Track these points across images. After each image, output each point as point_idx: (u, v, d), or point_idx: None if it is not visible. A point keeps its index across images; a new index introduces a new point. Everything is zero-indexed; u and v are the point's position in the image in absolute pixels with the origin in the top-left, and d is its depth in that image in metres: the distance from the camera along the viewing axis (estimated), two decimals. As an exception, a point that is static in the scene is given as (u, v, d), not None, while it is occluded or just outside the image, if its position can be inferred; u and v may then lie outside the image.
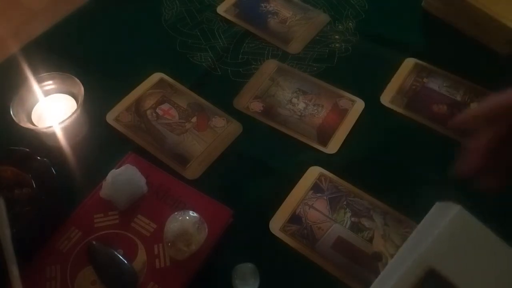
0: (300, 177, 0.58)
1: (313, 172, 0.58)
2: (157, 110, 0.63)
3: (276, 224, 0.54)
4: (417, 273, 0.27)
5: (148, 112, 0.63)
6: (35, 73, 0.60)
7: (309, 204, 0.56)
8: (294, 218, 0.54)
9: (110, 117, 0.63)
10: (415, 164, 0.60)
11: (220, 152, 0.60)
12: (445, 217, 0.26)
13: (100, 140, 0.61)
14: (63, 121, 0.56)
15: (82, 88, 0.58)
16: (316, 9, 0.77)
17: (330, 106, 0.65)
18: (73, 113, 0.57)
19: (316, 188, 0.57)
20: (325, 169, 0.59)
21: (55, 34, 0.72)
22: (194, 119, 0.63)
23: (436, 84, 0.67)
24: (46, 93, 0.59)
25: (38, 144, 0.58)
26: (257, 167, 0.59)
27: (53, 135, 0.58)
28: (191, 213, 0.50)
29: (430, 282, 0.26)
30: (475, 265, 0.26)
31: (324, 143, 0.61)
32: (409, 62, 0.70)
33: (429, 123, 0.63)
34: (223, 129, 0.62)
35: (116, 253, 0.50)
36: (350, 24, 0.75)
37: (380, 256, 0.51)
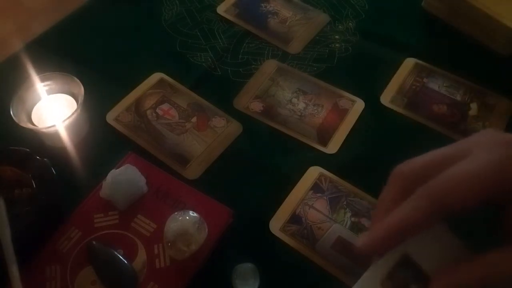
0: (300, 177, 0.58)
1: (313, 172, 0.58)
2: (157, 110, 0.63)
3: (276, 224, 0.54)
4: (395, 256, 0.32)
5: (148, 112, 0.63)
6: (35, 73, 0.60)
7: (309, 204, 0.56)
8: (294, 218, 0.54)
9: (110, 117, 0.63)
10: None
11: (220, 152, 0.60)
12: None
13: (100, 140, 0.61)
14: (63, 121, 0.56)
15: (82, 88, 0.58)
16: (316, 9, 0.77)
17: (330, 106, 0.65)
18: (73, 113, 0.57)
19: (316, 188, 0.57)
20: (325, 169, 0.59)
21: (55, 34, 0.72)
22: (194, 119, 0.63)
23: (436, 84, 0.67)
24: (47, 93, 0.59)
25: (38, 144, 0.58)
26: (257, 167, 0.59)
27: (53, 135, 0.58)
28: (191, 213, 0.50)
29: (403, 265, 0.31)
30: (439, 255, 0.31)
31: (324, 143, 0.61)
32: (409, 62, 0.70)
33: (429, 123, 0.63)
34: (223, 129, 0.62)
35: (116, 253, 0.50)
36: (350, 24, 0.75)
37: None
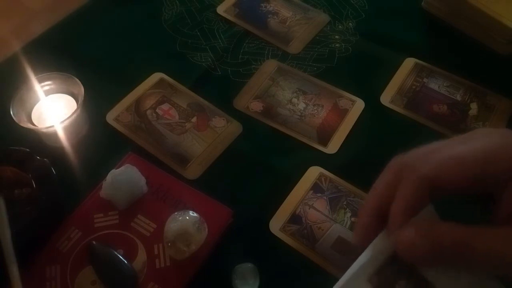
0: (300, 177, 0.58)
1: (313, 172, 0.58)
2: (157, 110, 0.63)
3: (276, 224, 0.54)
4: (384, 253, 0.31)
5: (148, 112, 0.63)
6: (35, 73, 0.60)
7: (309, 204, 0.56)
8: (294, 218, 0.54)
9: (110, 117, 0.63)
10: (415, 164, 0.60)
11: (220, 152, 0.60)
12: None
13: (100, 140, 0.61)
14: (63, 121, 0.56)
15: (82, 88, 0.58)
16: (316, 9, 0.77)
17: (330, 106, 0.65)
18: (73, 113, 0.57)
19: (316, 188, 0.57)
20: (325, 169, 0.59)
21: (55, 34, 0.72)
22: (194, 119, 0.63)
23: (436, 84, 0.67)
24: (46, 93, 0.59)
25: (38, 144, 0.58)
26: (257, 167, 0.59)
27: (53, 135, 0.58)
28: (191, 213, 0.50)
29: (392, 262, 0.31)
30: None
31: (324, 143, 0.61)
32: (409, 62, 0.70)
33: (429, 123, 0.63)
34: (223, 129, 0.62)
35: (116, 253, 0.50)
36: (350, 24, 0.75)
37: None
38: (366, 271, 0.32)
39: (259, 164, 0.59)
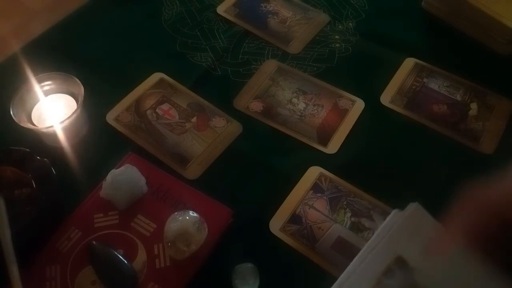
0: (300, 177, 0.58)
1: (313, 172, 0.58)
2: (157, 110, 0.63)
3: (276, 224, 0.54)
4: (388, 258, 0.31)
5: (148, 112, 0.63)
6: (35, 73, 0.60)
7: (309, 204, 0.56)
8: (294, 218, 0.54)
9: (110, 117, 0.63)
10: (415, 164, 0.60)
11: (220, 152, 0.60)
12: (404, 213, 0.31)
13: (100, 140, 0.61)
14: (63, 121, 0.56)
15: (82, 88, 0.58)
16: (316, 9, 0.77)
17: (330, 106, 0.65)
18: (73, 113, 0.57)
19: (316, 188, 0.57)
20: (325, 169, 0.59)
21: (55, 34, 0.72)
22: (194, 119, 0.63)
23: (436, 84, 0.67)
24: (46, 93, 0.59)
25: (38, 144, 0.58)
26: (257, 167, 0.59)
27: (53, 135, 0.58)
28: (191, 213, 0.50)
29: (399, 267, 0.31)
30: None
31: (324, 143, 0.61)
32: (409, 62, 0.70)
33: (429, 123, 0.63)
34: (223, 129, 0.62)
35: (116, 253, 0.50)
36: (350, 24, 0.75)
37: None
38: (367, 273, 0.31)
39: (259, 164, 0.59)
